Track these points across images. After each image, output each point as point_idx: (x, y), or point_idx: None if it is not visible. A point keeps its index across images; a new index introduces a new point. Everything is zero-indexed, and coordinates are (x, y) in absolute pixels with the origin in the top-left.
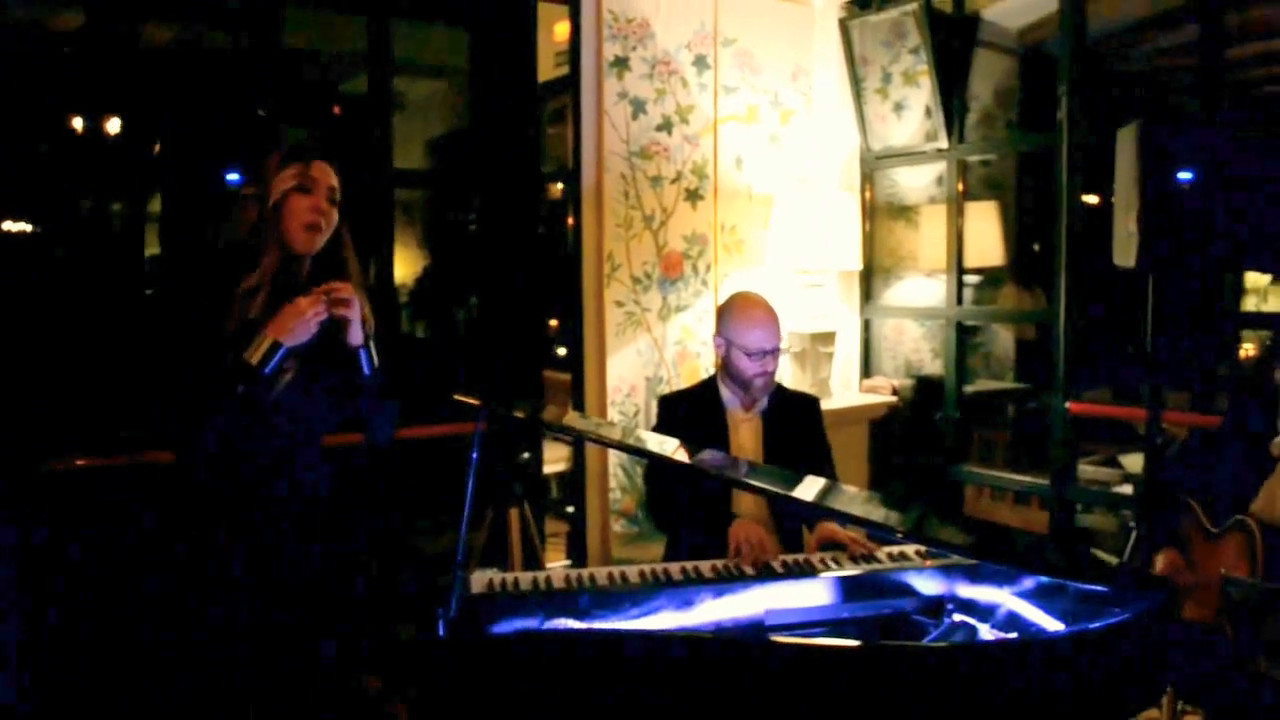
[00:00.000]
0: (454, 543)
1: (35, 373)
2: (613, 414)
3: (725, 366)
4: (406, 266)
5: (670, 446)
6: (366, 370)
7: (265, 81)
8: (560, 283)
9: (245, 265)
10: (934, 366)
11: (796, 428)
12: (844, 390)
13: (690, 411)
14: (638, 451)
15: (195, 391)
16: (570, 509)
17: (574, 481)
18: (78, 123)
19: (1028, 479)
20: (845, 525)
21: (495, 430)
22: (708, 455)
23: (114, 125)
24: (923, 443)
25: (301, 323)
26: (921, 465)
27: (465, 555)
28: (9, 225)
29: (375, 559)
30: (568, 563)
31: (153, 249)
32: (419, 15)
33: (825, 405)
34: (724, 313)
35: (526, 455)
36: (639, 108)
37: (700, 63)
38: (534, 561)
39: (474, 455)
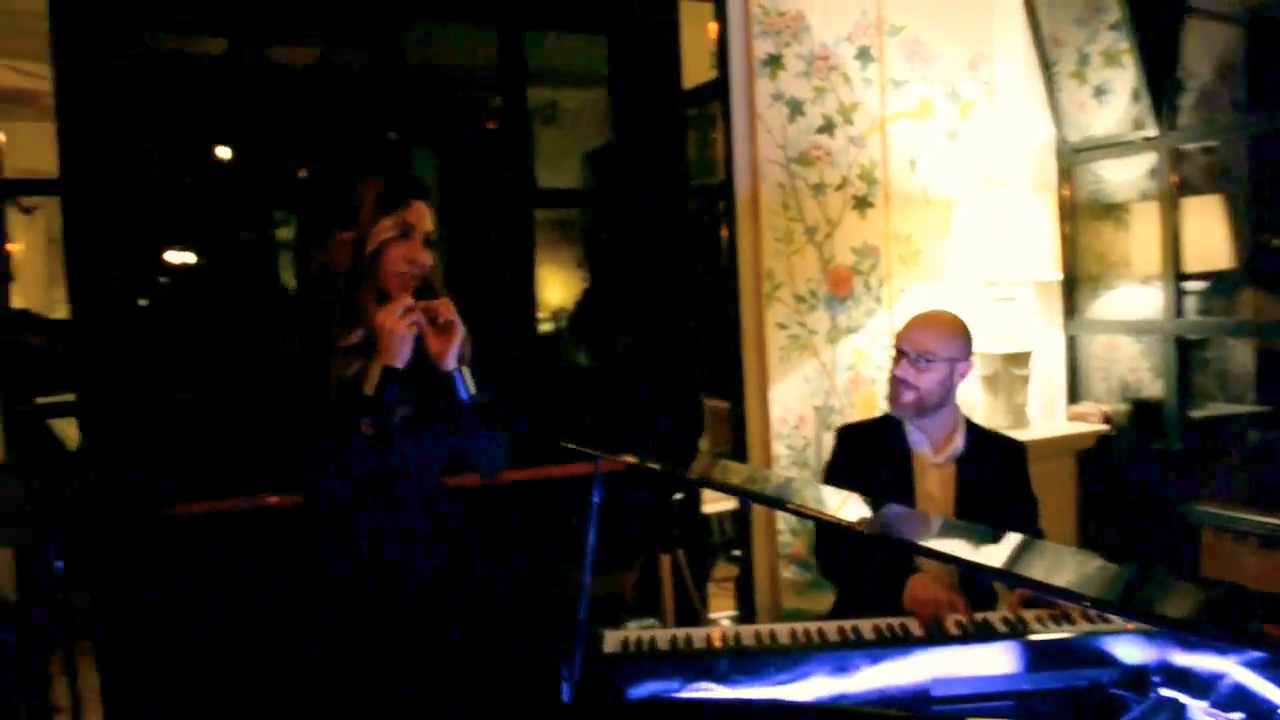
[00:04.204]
0: (596, 592)
1: (159, 414)
2: (778, 448)
3: None
4: (543, 291)
5: (838, 502)
6: (464, 395)
7: (393, 102)
8: (715, 304)
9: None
10: (1155, 388)
11: (996, 478)
12: (1045, 418)
13: (872, 449)
14: (801, 514)
15: (318, 433)
16: (737, 552)
17: (740, 522)
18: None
19: (1277, 521)
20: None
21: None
22: (887, 514)
23: (242, 153)
24: (1142, 478)
25: (397, 339)
26: (1142, 504)
27: (588, 610)
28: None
29: (504, 609)
30: (734, 613)
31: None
32: (552, 24)
33: (1022, 436)
34: None
35: (679, 495)
36: (796, 109)
37: (864, 55)
38: (690, 613)
39: (594, 499)
